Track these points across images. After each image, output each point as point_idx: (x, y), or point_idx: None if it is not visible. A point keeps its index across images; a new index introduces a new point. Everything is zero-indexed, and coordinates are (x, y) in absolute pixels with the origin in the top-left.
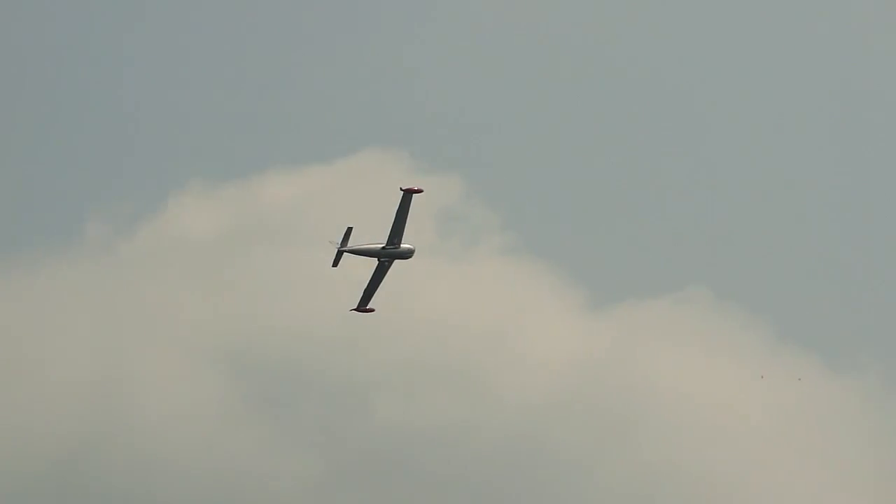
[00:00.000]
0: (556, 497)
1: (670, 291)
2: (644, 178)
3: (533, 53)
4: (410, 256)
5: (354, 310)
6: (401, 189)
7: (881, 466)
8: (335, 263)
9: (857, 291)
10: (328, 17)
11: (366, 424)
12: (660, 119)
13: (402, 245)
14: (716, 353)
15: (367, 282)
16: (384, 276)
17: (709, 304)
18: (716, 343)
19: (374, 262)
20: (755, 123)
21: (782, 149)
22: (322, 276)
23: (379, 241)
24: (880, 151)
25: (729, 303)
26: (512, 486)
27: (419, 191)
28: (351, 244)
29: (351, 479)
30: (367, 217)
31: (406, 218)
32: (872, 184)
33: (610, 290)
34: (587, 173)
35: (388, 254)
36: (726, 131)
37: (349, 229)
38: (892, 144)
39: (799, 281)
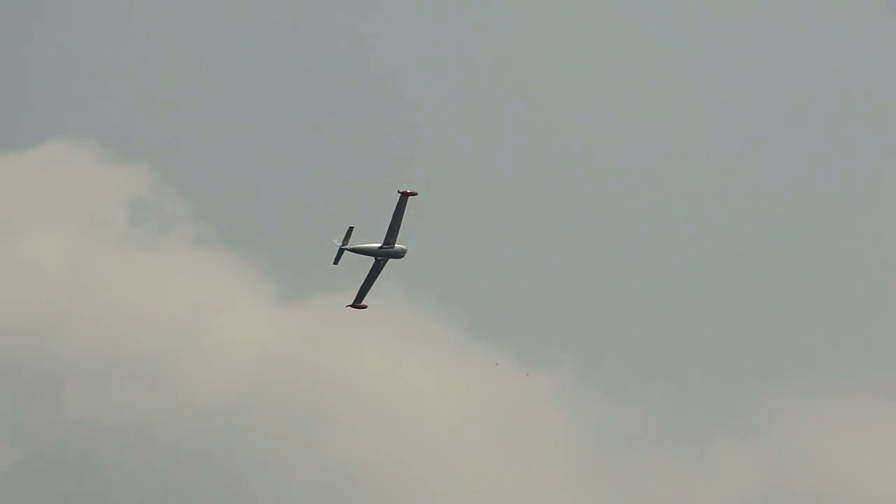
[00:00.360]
0: (246, 488)
1: None
2: (333, 170)
3: (232, 42)
4: (403, 256)
5: (350, 306)
6: (398, 192)
7: (573, 458)
8: (336, 261)
9: (549, 285)
10: (12, 7)
11: (57, 415)
12: (347, 108)
13: (395, 245)
14: (408, 346)
15: (364, 279)
16: (379, 274)
17: (401, 297)
18: (408, 335)
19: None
20: (448, 119)
21: (471, 144)
22: (12, 264)
23: (368, 241)
24: (568, 149)
25: (421, 296)
26: (203, 475)
27: (414, 193)
28: (351, 243)
29: (43, 470)
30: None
31: (401, 219)
32: (561, 179)
33: (302, 282)
34: (282, 164)
35: (384, 253)
36: (411, 125)
37: (350, 229)
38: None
39: (491, 275)
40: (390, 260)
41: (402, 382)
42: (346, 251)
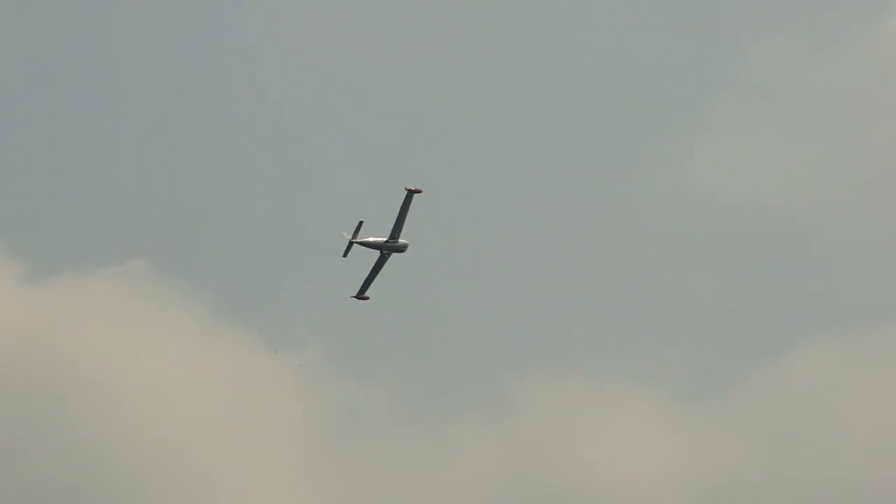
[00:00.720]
0: None
1: (110, 265)
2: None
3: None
4: (405, 250)
5: (353, 297)
6: (405, 189)
7: (316, 442)
8: (345, 254)
9: (294, 266)
10: None
11: None
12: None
13: (399, 240)
14: (155, 329)
15: (368, 272)
16: (382, 267)
17: (148, 279)
18: (155, 318)
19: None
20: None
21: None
22: None
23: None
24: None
25: (168, 278)
26: None
27: (419, 191)
28: (360, 237)
29: None
30: None
31: (406, 215)
32: (309, 161)
33: (49, 262)
34: (35, 139)
35: (389, 247)
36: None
37: (360, 223)
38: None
39: (236, 257)
40: (388, 254)
41: (148, 364)
42: (354, 244)
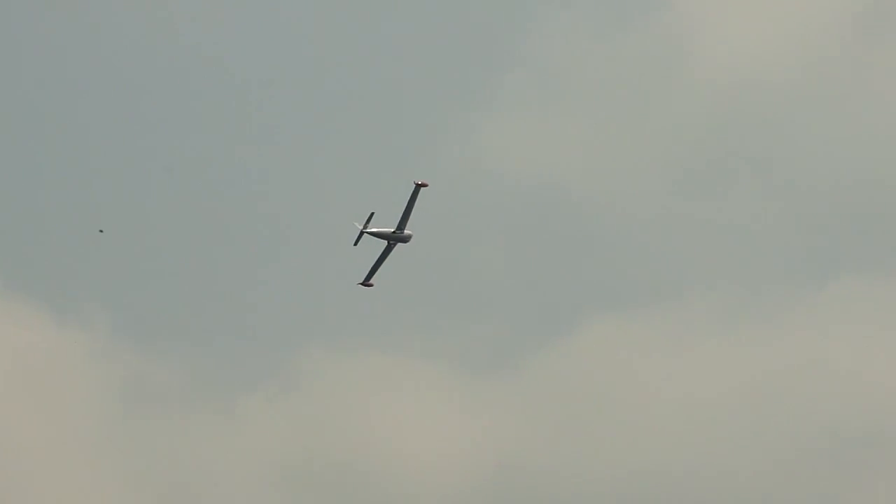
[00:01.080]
0: None
1: None
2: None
3: None
4: (409, 241)
5: (360, 284)
6: (414, 183)
7: (103, 418)
8: (356, 243)
9: (87, 239)
10: None
11: None
12: None
13: (404, 231)
14: None
15: (375, 261)
16: (387, 256)
17: None
18: None
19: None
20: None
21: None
22: None
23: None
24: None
25: None
26: None
27: (425, 185)
28: (369, 227)
29: None
30: None
31: (412, 208)
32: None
33: None
34: None
35: (396, 237)
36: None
37: (371, 214)
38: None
39: (30, 228)
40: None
41: None
42: (364, 234)
